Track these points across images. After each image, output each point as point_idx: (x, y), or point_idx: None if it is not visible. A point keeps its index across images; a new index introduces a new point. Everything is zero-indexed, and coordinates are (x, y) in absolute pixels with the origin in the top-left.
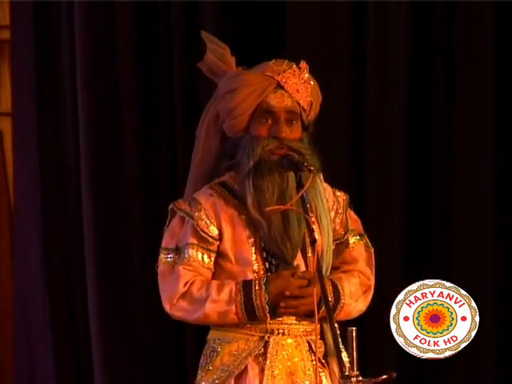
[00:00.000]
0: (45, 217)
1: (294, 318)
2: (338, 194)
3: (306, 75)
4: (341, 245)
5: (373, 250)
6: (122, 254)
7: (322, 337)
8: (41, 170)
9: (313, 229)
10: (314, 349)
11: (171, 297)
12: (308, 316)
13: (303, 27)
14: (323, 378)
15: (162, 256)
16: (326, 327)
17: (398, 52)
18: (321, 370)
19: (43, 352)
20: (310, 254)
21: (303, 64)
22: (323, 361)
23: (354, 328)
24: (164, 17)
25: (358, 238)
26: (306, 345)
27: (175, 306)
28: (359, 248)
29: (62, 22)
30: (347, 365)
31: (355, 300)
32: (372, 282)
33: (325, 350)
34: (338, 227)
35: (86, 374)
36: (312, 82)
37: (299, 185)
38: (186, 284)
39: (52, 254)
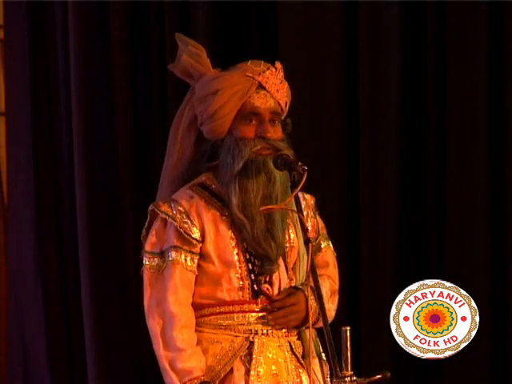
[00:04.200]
0: (38, 212)
1: None
2: (307, 197)
3: (281, 75)
4: (313, 248)
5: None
6: (116, 251)
7: (299, 338)
8: (34, 167)
9: (307, 228)
10: (294, 349)
11: (151, 308)
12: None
13: (295, 27)
14: (303, 379)
15: (146, 261)
16: (303, 329)
17: (390, 51)
18: (301, 370)
19: (37, 352)
20: (288, 259)
21: (278, 64)
22: (302, 361)
23: (348, 328)
24: (157, 17)
25: (327, 242)
26: (288, 345)
27: (150, 320)
28: (329, 252)
29: (55, 21)
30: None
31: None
32: (337, 285)
33: (303, 351)
34: (309, 231)
35: (80, 375)
36: (285, 83)
37: (293, 184)
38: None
39: (46, 249)
